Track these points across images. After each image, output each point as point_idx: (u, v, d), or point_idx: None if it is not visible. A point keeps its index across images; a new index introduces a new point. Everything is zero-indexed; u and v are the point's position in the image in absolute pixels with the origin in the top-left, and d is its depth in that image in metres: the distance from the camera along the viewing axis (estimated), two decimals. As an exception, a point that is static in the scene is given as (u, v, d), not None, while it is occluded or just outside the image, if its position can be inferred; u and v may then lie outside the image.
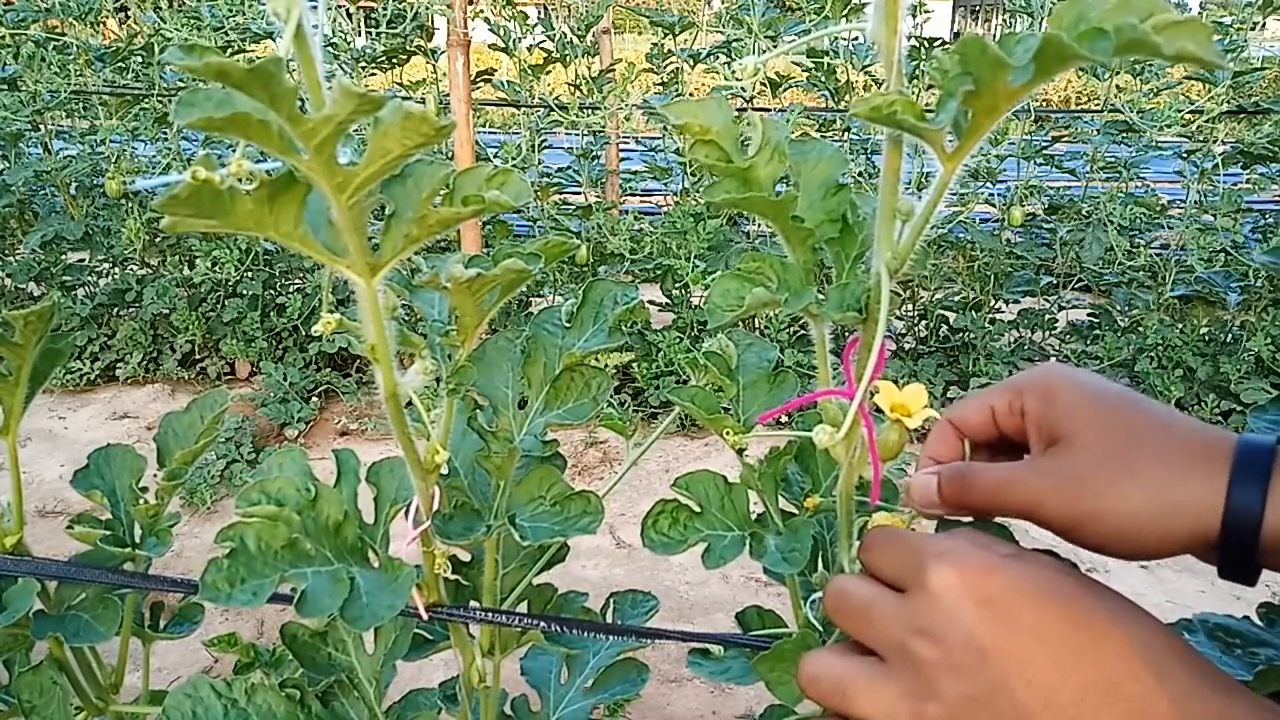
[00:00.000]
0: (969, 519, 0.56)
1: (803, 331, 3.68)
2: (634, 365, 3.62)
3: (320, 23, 0.47)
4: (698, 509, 0.71)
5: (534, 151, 3.79)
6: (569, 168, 4.14)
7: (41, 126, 3.95)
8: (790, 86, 3.97)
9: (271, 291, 3.99)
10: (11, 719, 0.83)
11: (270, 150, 0.47)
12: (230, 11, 3.63)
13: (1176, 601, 2.57)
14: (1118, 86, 3.57)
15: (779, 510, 0.74)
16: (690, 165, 3.69)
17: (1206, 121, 3.36)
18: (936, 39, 3.59)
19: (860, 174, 3.36)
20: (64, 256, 4.06)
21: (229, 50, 3.55)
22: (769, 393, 0.75)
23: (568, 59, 3.74)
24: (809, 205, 0.59)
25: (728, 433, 0.72)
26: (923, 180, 0.50)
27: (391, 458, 0.73)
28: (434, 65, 3.98)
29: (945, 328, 3.89)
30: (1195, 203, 3.55)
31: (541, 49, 3.81)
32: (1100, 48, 0.40)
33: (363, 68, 3.86)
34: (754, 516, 0.73)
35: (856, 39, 3.52)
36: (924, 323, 3.94)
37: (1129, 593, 0.46)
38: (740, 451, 0.73)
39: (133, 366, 3.93)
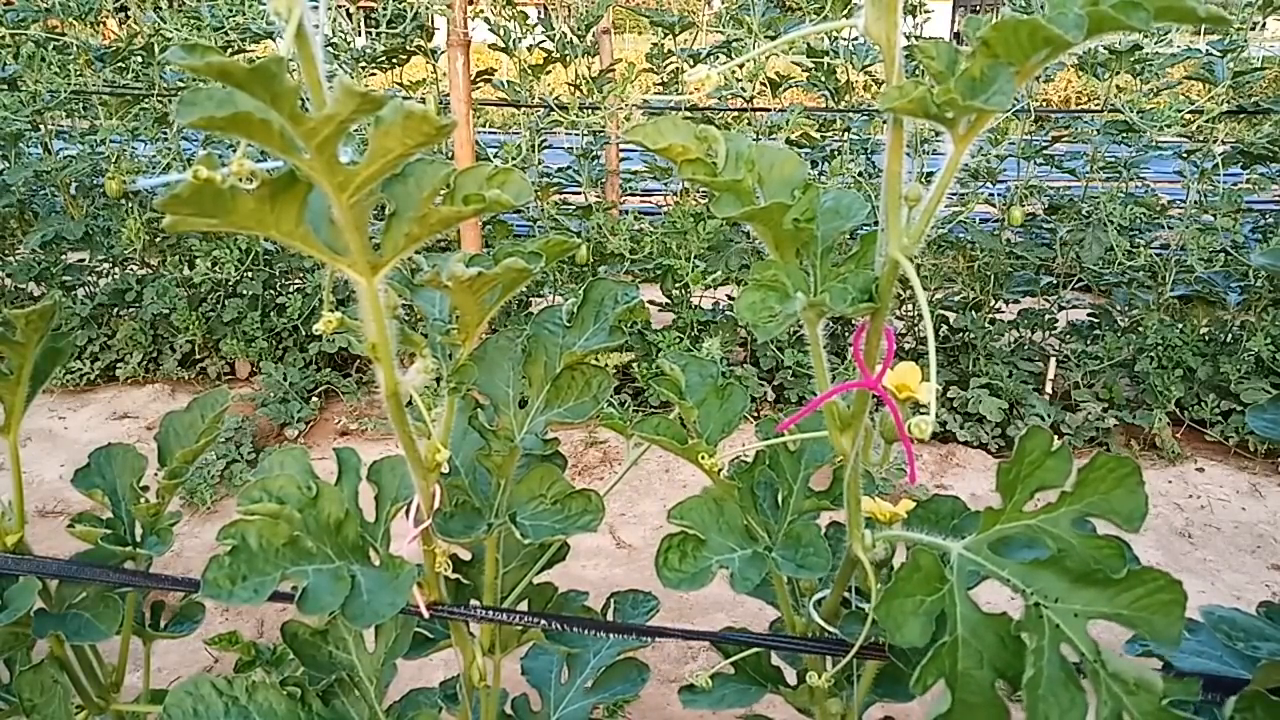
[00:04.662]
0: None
1: (800, 330, 3.67)
2: (634, 365, 3.62)
3: (320, 23, 0.47)
4: (702, 537, 0.70)
5: (534, 151, 3.79)
6: (569, 168, 4.14)
7: (41, 126, 3.95)
8: (790, 86, 3.97)
9: (271, 291, 4.00)
10: (12, 717, 0.83)
11: (271, 149, 0.47)
12: (230, 11, 3.63)
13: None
14: (1118, 86, 3.57)
15: (760, 520, 0.73)
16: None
17: (1206, 121, 3.36)
18: (937, 39, 3.59)
19: (860, 174, 3.35)
20: (64, 256, 4.07)
21: (229, 50, 3.55)
22: (720, 408, 0.75)
23: (568, 59, 3.74)
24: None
25: (703, 458, 0.70)
26: (923, 179, 0.50)
27: (392, 456, 0.73)
28: (434, 65, 3.98)
29: (945, 328, 3.89)
30: (1195, 203, 3.55)
31: (541, 49, 3.81)
32: (1139, 17, 0.41)
33: (363, 68, 3.86)
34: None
35: (857, 39, 3.51)
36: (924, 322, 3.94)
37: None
38: (718, 472, 0.72)
39: (133, 366, 3.94)
